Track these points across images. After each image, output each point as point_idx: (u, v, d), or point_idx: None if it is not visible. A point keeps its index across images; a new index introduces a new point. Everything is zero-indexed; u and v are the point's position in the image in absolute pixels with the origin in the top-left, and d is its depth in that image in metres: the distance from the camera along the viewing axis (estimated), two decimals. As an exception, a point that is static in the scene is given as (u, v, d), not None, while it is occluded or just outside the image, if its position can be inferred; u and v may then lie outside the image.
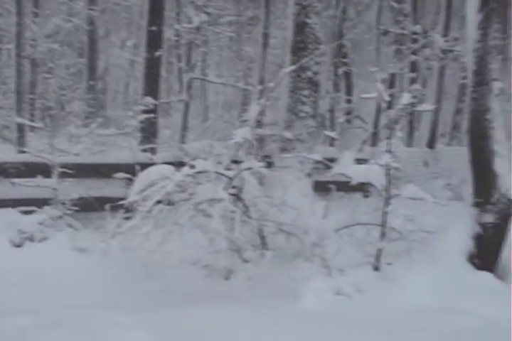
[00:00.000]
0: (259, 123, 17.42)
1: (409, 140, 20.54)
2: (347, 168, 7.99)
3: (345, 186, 8.82)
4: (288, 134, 11.30)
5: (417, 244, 8.38)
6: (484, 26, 8.60)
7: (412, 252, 8.33)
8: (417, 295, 7.55)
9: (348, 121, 20.58)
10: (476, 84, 8.60)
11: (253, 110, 8.09)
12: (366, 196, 12.67)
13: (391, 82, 20.83)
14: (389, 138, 8.09)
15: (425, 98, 20.04)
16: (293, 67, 10.14)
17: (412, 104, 8.06)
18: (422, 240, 8.39)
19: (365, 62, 24.00)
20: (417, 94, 8.15)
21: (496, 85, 8.55)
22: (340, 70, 21.99)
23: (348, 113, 21.30)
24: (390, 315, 7.04)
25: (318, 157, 9.10)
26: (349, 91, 22.80)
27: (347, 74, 23.28)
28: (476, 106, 8.58)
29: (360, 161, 8.61)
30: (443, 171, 15.39)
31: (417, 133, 20.94)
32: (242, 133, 7.91)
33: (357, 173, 7.96)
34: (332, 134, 11.53)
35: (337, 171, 8.10)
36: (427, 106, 8.52)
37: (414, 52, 20.23)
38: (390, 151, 8.10)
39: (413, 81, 20.48)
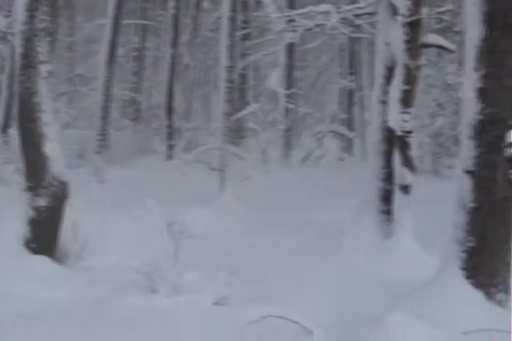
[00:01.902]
0: None
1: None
2: None
3: None
4: None
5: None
6: (32, 8, 8.50)
7: None
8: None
9: None
10: (24, 66, 8.49)
11: None
12: None
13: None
14: None
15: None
16: None
17: None
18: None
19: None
20: None
21: (44, 68, 8.51)
22: None
23: None
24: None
25: None
26: None
27: None
28: (23, 89, 8.47)
29: None
30: (14, 156, 15.10)
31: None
32: None
33: None
34: None
35: None
36: None
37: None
38: None
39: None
